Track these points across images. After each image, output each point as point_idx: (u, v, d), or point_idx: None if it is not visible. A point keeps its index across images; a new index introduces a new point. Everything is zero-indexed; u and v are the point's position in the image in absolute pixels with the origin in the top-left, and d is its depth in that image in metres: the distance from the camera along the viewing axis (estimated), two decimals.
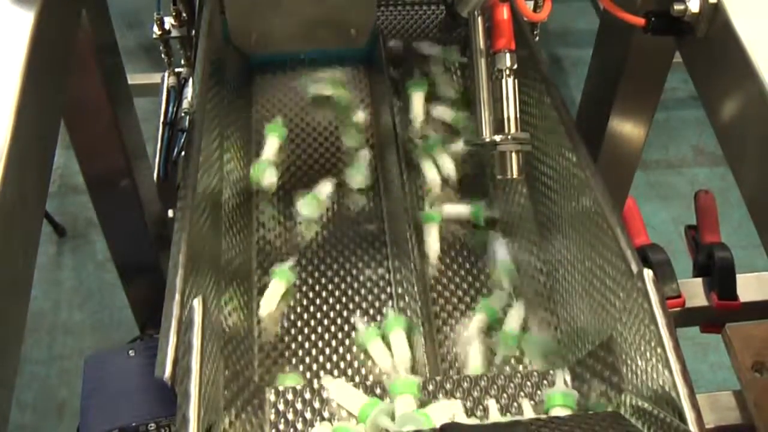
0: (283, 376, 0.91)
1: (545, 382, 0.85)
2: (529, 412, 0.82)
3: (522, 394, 0.84)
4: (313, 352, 0.93)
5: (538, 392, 0.85)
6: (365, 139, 1.18)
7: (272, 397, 0.84)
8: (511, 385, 0.84)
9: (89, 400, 1.05)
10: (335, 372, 0.92)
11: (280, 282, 0.98)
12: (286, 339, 0.95)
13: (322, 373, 0.92)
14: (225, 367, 0.78)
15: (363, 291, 1.00)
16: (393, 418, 0.79)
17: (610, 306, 0.82)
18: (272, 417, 0.83)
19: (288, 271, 0.99)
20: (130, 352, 1.11)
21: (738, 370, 1.04)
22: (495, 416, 0.81)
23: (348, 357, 0.93)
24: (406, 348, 0.90)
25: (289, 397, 0.84)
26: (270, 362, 0.92)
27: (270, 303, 0.97)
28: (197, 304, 0.70)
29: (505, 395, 0.83)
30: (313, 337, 0.96)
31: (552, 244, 0.97)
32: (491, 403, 0.82)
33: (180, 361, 0.67)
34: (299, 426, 0.82)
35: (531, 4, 1.67)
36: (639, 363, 0.75)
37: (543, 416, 0.81)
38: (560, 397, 0.82)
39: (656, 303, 0.72)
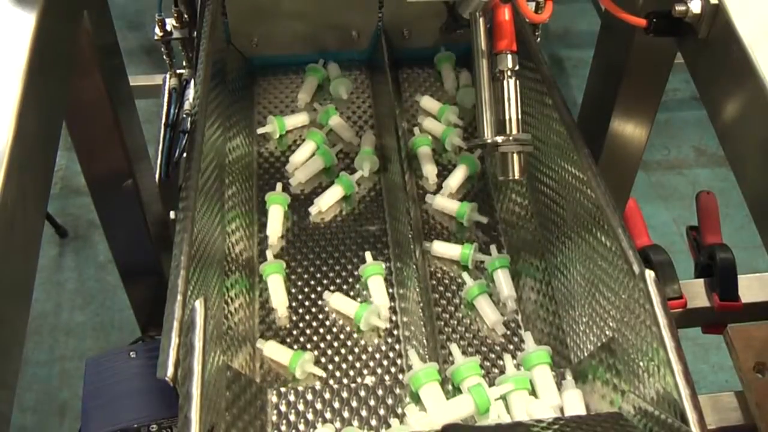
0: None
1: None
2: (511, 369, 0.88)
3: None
4: (315, 353, 0.93)
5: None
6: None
7: (274, 399, 0.84)
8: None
9: (91, 401, 1.05)
10: (337, 373, 0.92)
11: (337, 187, 1.09)
12: (288, 340, 0.95)
13: (324, 374, 0.92)
14: (227, 368, 0.78)
15: (366, 292, 1.00)
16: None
17: (612, 307, 0.82)
18: (274, 418, 0.83)
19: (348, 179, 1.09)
20: (132, 353, 1.11)
21: (739, 370, 1.04)
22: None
23: (350, 358, 0.93)
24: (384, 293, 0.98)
25: (291, 398, 0.84)
26: (270, 362, 0.92)
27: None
28: (199, 305, 0.70)
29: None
30: (315, 338, 0.96)
31: (553, 244, 0.97)
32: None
33: (182, 362, 0.67)
34: (301, 428, 0.82)
35: (532, 5, 1.67)
36: (641, 364, 0.75)
37: (544, 417, 0.81)
38: (535, 356, 0.87)
39: (658, 304, 0.72)
